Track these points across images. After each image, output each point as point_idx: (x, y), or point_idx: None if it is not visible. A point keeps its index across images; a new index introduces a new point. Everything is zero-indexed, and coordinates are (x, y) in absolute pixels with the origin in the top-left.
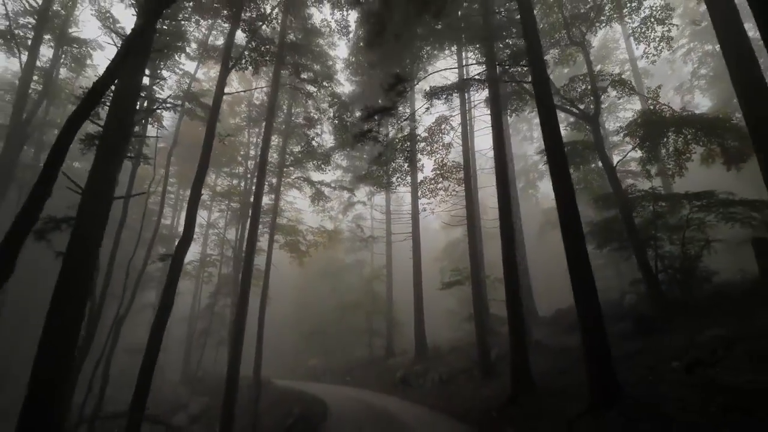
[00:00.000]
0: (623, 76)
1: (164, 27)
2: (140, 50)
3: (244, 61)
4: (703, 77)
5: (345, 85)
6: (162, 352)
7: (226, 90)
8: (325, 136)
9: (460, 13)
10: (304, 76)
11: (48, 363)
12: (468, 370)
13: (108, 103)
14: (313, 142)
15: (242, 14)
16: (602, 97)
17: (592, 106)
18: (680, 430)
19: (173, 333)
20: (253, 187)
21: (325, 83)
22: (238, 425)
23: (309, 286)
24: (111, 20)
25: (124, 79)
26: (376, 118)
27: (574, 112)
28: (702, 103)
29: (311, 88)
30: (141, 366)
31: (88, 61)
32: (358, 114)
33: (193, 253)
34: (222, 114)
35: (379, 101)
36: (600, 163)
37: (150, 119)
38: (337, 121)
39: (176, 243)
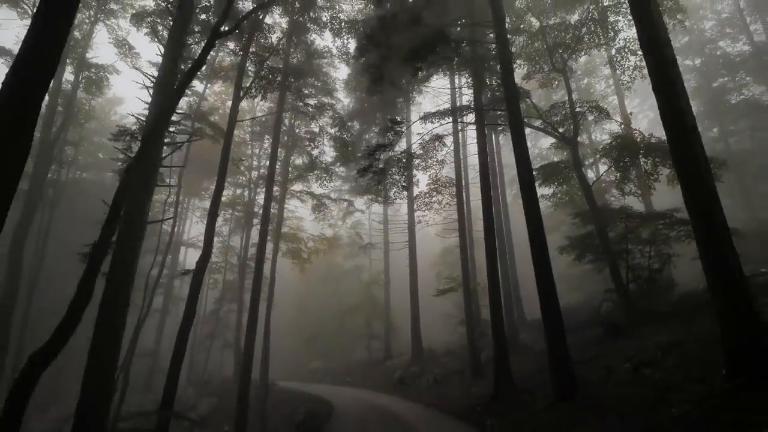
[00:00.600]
0: (600, 104)
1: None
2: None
3: (253, 89)
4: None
5: (344, 101)
6: (169, 353)
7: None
8: (326, 148)
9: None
10: (307, 101)
11: (97, 370)
12: (460, 371)
13: (139, 138)
14: (316, 157)
15: (251, 47)
16: (580, 120)
17: (572, 128)
18: (610, 417)
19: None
20: (257, 198)
21: (326, 107)
22: (249, 423)
23: (309, 291)
24: (127, 47)
25: (158, 117)
26: (376, 155)
27: (555, 135)
28: None
29: (313, 111)
30: (169, 368)
31: (105, 82)
32: (357, 126)
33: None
34: (224, 122)
35: (377, 115)
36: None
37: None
38: (337, 140)
39: (197, 259)
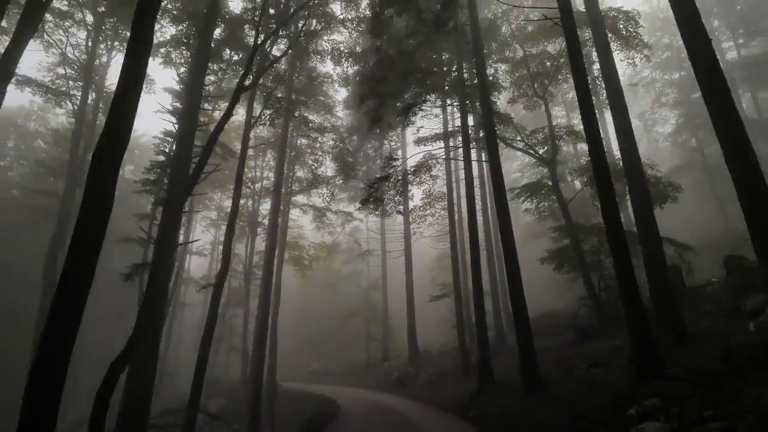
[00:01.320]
0: (575, 129)
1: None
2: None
3: (263, 118)
4: (665, 104)
5: (344, 115)
6: (175, 358)
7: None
8: (327, 160)
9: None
10: (310, 126)
11: (139, 375)
12: (452, 372)
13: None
14: (318, 175)
15: (261, 79)
16: (559, 143)
17: (549, 150)
18: (561, 405)
19: (185, 341)
20: (260, 207)
21: (328, 130)
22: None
23: (310, 296)
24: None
25: (182, 147)
26: (375, 187)
27: (535, 156)
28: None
29: (316, 134)
30: (195, 370)
31: None
32: (355, 138)
33: (203, 267)
34: (229, 138)
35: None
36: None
37: None
38: (338, 159)
39: (215, 274)
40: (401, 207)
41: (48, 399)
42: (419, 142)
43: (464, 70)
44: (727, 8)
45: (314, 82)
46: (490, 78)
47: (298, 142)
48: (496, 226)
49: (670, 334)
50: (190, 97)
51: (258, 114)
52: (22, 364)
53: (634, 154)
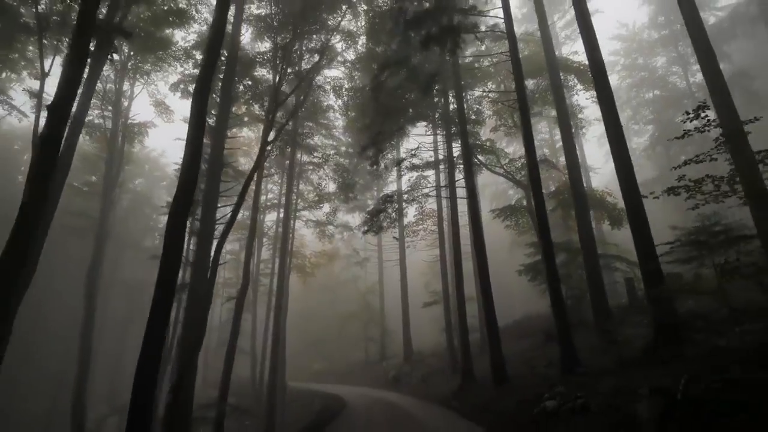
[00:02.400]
0: (548, 158)
1: None
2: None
3: (275, 150)
4: (640, 121)
5: (343, 140)
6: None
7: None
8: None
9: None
10: (314, 153)
11: (182, 381)
12: (442, 370)
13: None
14: (321, 192)
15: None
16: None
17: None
18: (518, 393)
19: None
20: (265, 219)
21: (330, 157)
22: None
23: (310, 299)
24: (163, 107)
25: (211, 183)
26: (375, 218)
27: (513, 180)
28: (639, 142)
29: (320, 160)
30: (223, 370)
31: (142, 136)
32: (354, 153)
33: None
34: (235, 157)
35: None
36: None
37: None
38: (339, 180)
39: (237, 289)
40: (397, 232)
41: (148, 387)
42: (412, 169)
43: (451, 105)
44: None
45: (318, 112)
46: (474, 111)
47: (302, 158)
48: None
49: (603, 340)
50: (215, 141)
51: (270, 147)
52: (46, 368)
53: (578, 185)
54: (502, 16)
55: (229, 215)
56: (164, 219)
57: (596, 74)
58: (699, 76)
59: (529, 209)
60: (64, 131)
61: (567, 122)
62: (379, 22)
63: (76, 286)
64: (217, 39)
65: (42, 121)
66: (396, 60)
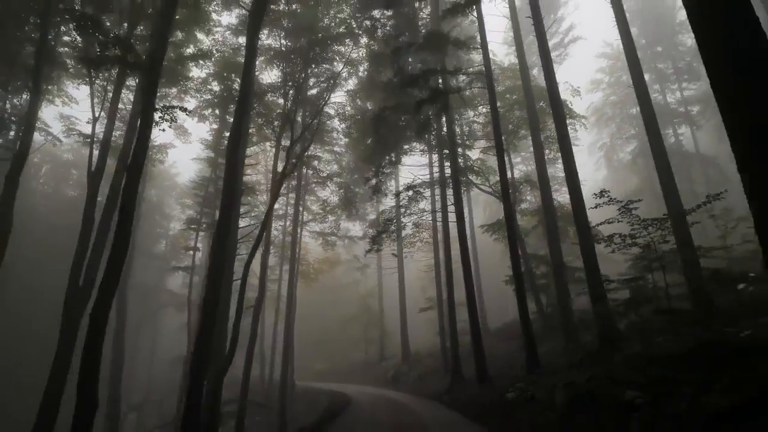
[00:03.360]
0: (530, 178)
1: None
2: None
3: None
4: (622, 137)
5: (345, 156)
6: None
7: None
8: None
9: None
10: (321, 175)
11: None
12: (436, 370)
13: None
14: (327, 209)
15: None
16: (519, 187)
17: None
18: (494, 390)
19: (174, 350)
20: (272, 229)
21: (335, 176)
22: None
23: (313, 301)
24: (182, 129)
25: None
26: (377, 239)
27: (499, 198)
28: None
29: (325, 177)
30: (243, 372)
31: (162, 156)
32: (355, 167)
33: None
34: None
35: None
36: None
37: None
38: (341, 196)
39: (255, 298)
40: (395, 247)
41: (199, 378)
42: (409, 189)
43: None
44: (674, 56)
45: (323, 133)
46: (466, 132)
47: (308, 173)
48: (474, 252)
49: (572, 344)
50: (233, 170)
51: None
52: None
53: (550, 205)
54: (484, 68)
55: (254, 239)
56: (173, 226)
57: (554, 104)
58: (678, 94)
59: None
60: (139, 185)
61: (540, 145)
62: (379, 49)
63: None
64: (248, 101)
65: (95, 158)
66: (394, 106)
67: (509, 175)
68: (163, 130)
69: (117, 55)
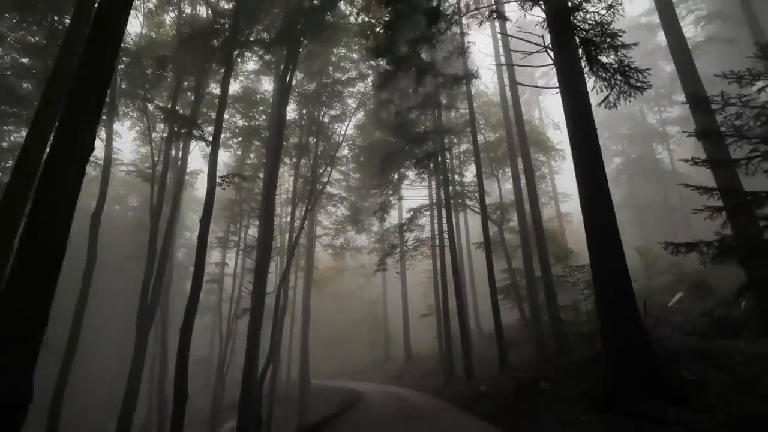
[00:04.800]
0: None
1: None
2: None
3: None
4: (607, 155)
5: (352, 175)
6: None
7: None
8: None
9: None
10: (332, 201)
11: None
12: (435, 370)
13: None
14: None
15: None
16: (506, 210)
17: (499, 216)
18: (477, 386)
19: (193, 352)
20: (283, 239)
21: (345, 199)
22: (296, 406)
23: (322, 307)
24: (206, 154)
25: (266, 234)
26: (381, 260)
27: (491, 220)
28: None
29: (336, 200)
30: (260, 373)
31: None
32: (361, 183)
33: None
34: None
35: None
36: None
37: None
38: (349, 214)
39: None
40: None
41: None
42: (411, 211)
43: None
44: (657, 83)
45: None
46: (460, 159)
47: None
48: (468, 261)
49: (541, 350)
50: (266, 204)
51: (297, 199)
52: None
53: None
54: (471, 133)
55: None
56: (188, 234)
57: (523, 151)
58: (658, 116)
59: (502, 243)
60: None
61: (517, 175)
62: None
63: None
64: (277, 162)
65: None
66: (397, 149)
67: (498, 196)
68: (224, 188)
69: (188, 132)
